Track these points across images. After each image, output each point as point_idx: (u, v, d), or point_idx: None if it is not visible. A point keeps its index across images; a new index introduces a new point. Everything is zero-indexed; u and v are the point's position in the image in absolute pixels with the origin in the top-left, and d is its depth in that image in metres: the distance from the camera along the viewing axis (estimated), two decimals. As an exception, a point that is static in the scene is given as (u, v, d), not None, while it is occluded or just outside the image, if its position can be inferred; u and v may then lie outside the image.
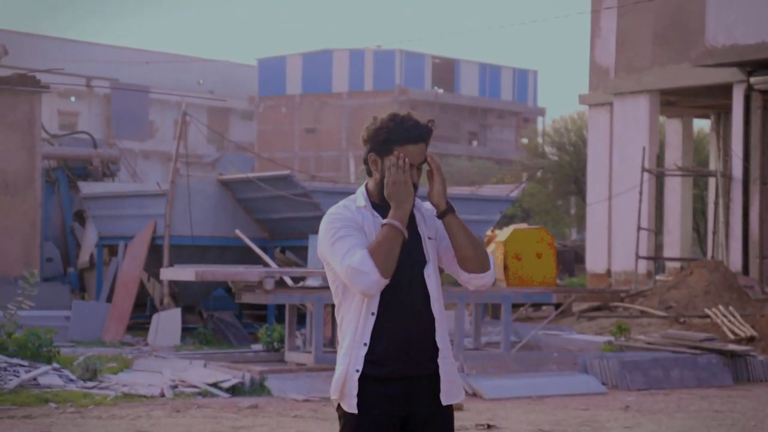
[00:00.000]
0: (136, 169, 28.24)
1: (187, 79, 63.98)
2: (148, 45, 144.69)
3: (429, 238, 4.18)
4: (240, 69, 70.66)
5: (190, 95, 55.43)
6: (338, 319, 4.19)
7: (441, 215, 4.16)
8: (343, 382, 4.09)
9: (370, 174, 4.19)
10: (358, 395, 4.07)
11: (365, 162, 4.17)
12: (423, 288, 4.13)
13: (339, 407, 4.16)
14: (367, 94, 63.89)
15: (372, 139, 4.13)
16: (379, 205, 4.15)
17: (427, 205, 4.24)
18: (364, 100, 63.24)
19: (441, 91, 66.69)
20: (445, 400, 4.14)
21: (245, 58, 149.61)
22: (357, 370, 4.06)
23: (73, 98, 59.44)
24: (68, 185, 21.04)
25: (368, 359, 4.07)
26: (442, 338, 4.14)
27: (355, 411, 4.06)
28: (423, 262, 4.15)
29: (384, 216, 4.11)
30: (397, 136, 4.10)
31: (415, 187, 4.14)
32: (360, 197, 4.19)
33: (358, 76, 65.23)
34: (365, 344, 4.06)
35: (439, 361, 4.12)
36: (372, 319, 4.06)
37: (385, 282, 4.02)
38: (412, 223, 4.17)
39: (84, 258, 20.21)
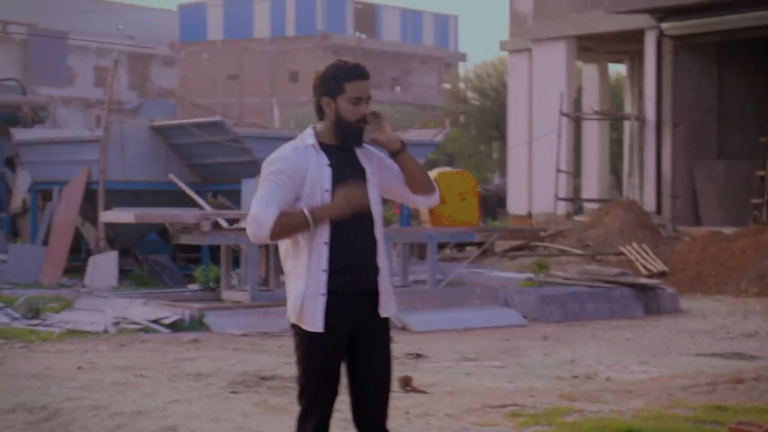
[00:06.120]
0: (56, 116, 28.26)
1: (106, 25, 63.43)
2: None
3: (372, 174, 4.76)
4: (160, 15, 70.13)
5: (109, 41, 55.04)
6: (283, 251, 4.69)
7: (397, 152, 4.78)
8: (302, 304, 4.61)
9: (321, 118, 4.74)
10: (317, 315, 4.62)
11: (318, 108, 4.72)
12: (368, 217, 4.72)
13: (295, 327, 4.68)
14: (289, 40, 63.86)
15: (323, 83, 4.69)
16: (328, 144, 4.70)
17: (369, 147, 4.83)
18: (286, 46, 63.23)
19: (363, 36, 66.90)
20: (383, 313, 4.75)
21: (165, 4, 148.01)
22: (322, 294, 4.61)
23: (-10, 44, 58.68)
24: (-3, 132, 21.18)
25: (328, 283, 4.61)
26: (382, 259, 4.76)
27: (322, 330, 4.60)
28: (368, 194, 4.72)
29: (331, 156, 4.67)
30: (345, 74, 4.67)
31: (366, 119, 4.70)
32: (309, 136, 4.72)
33: (280, 21, 65.10)
34: (324, 270, 4.61)
35: (379, 279, 4.74)
36: (326, 248, 4.61)
37: (266, 241, 4.64)
38: (355, 160, 4.74)
39: (16, 204, 20.45)
